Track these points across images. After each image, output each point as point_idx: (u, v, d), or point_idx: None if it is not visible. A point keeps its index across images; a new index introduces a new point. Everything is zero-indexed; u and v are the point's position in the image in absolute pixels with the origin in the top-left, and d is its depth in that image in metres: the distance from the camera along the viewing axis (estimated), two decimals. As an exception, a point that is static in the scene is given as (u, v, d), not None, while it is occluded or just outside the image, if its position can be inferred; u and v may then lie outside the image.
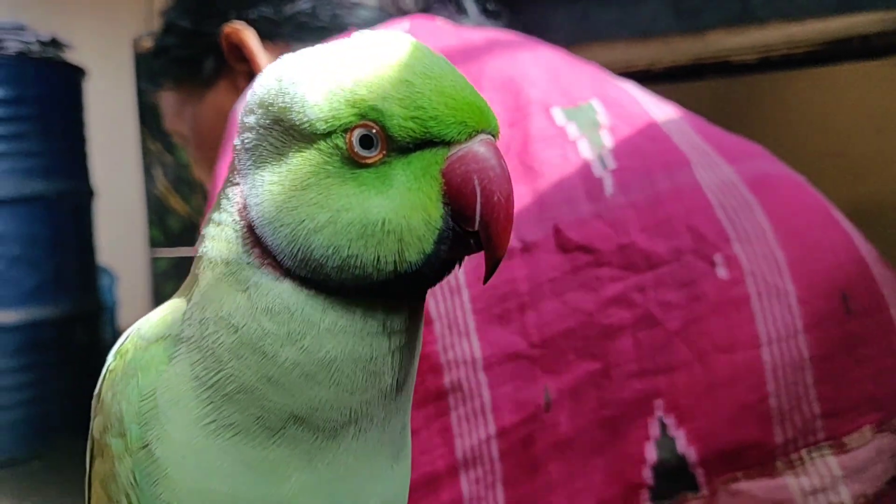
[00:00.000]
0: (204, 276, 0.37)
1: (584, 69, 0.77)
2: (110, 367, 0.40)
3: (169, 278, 2.22)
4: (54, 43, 1.81)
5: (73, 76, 1.84)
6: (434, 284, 0.37)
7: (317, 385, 0.35)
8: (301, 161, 0.35)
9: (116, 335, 2.08)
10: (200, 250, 0.38)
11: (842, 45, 0.98)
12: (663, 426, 0.63)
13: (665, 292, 0.64)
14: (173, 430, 0.36)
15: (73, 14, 2.26)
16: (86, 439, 0.41)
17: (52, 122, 1.77)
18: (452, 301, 0.65)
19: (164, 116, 1.00)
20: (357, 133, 0.34)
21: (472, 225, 0.35)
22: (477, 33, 0.79)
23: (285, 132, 0.36)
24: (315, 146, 0.35)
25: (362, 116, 0.34)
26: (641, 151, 0.69)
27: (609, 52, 1.00)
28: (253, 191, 0.36)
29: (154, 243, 2.21)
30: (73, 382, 1.73)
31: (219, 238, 0.37)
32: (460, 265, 0.38)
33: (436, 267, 0.36)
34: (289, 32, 0.84)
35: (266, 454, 0.36)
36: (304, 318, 0.35)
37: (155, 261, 2.24)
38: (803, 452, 0.62)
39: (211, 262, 0.37)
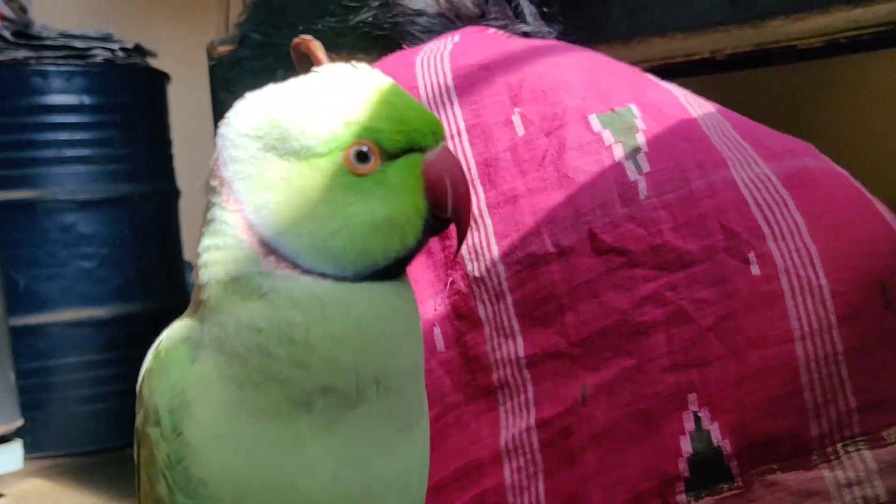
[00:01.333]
0: (214, 295, 0.42)
1: (624, 72, 0.78)
2: (148, 368, 0.45)
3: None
4: (138, 50, 1.89)
5: (156, 81, 1.92)
6: (410, 261, 0.44)
7: (343, 351, 0.40)
8: (303, 181, 0.41)
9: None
10: (203, 278, 0.42)
11: (914, 25, 0.95)
12: (698, 419, 0.63)
13: (698, 290, 0.65)
14: (202, 417, 0.41)
15: (155, 22, 2.35)
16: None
17: (137, 126, 1.86)
18: (498, 306, 0.68)
19: None
20: (353, 150, 0.41)
21: (445, 213, 0.43)
22: (520, 43, 0.81)
23: (282, 158, 0.41)
24: (314, 167, 0.41)
25: (358, 136, 0.41)
26: (677, 152, 0.69)
27: (668, 43, 0.99)
28: (258, 213, 0.41)
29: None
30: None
31: (223, 260, 0.42)
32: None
33: (420, 247, 0.44)
34: (352, 42, 0.87)
35: (289, 428, 0.40)
36: (330, 300, 0.40)
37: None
38: (839, 446, 0.62)
39: (220, 283, 0.42)
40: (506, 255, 0.68)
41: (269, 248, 0.41)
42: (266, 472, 0.41)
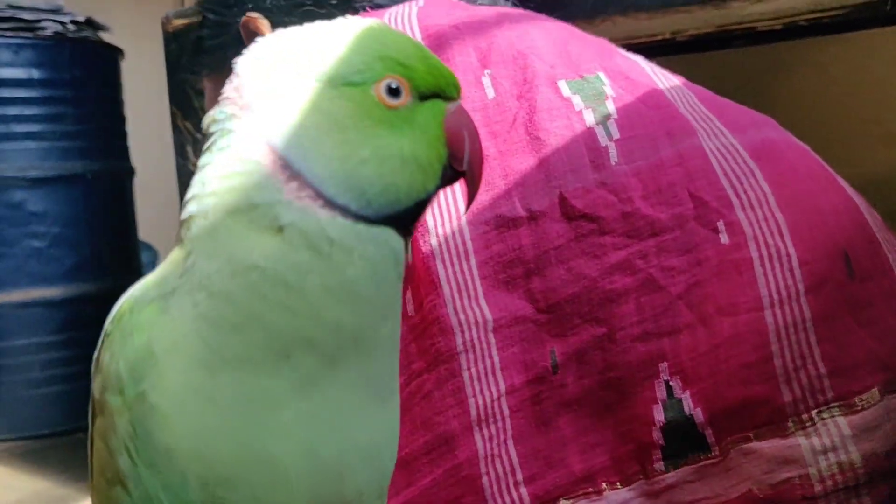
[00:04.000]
0: (221, 225, 0.40)
1: (592, 42, 0.78)
2: (107, 332, 0.43)
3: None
4: (90, 23, 1.84)
5: (109, 57, 1.87)
6: (417, 220, 0.45)
7: (335, 304, 0.39)
8: (335, 108, 0.41)
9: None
10: (196, 209, 0.41)
11: (872, 8, 0.96)
12: (669, 388, 0.64)
13: (667, 258, 0.65)
14: (171, 374, 0.39)
15: (108, -6, 2.29)
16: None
17: (89, 102, 1.81)
18: (461, 266, 0.67)
19: (206, 104, 1.05)
20: (385, 84, 0.42)
21: (461, 165, 0.45)
22: (488, 9, 0.81)
23: (315, 85, 0.41)
24: (346, 95, 0.41)
25: (391, 70, 0.42)
26: (646, 120, 0.70)
27: (631, 23, 0.99)
28: (284, 136, 0.41)
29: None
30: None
31: (238, 187, 0.40)
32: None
33: (431, 198, 0.44)
34: (298, 21, 0.88)
35: (267, 384, 0.39)
36: (341, 244, 0.39)
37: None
38: (813, 413, 0.63)
39: (231, 212, 0.40)
40: (472, 213, 0.68)
41: (291, 173, 0.40)
42: (236, 435, 0.38)
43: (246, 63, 0.44)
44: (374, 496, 0.44)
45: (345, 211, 0.40)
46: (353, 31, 0.43)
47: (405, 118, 0.42)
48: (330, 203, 0.40)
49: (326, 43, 0.42)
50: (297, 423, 0.39)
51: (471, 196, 0.46)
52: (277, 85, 0.42)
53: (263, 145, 0.40)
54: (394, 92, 0.42)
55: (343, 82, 0.41)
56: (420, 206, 0.43)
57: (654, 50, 1.04)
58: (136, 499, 0.40)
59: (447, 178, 0.45)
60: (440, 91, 0.44)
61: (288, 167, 0.40)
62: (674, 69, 0.78)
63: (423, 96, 0.43)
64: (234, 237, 0.39)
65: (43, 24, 1.74)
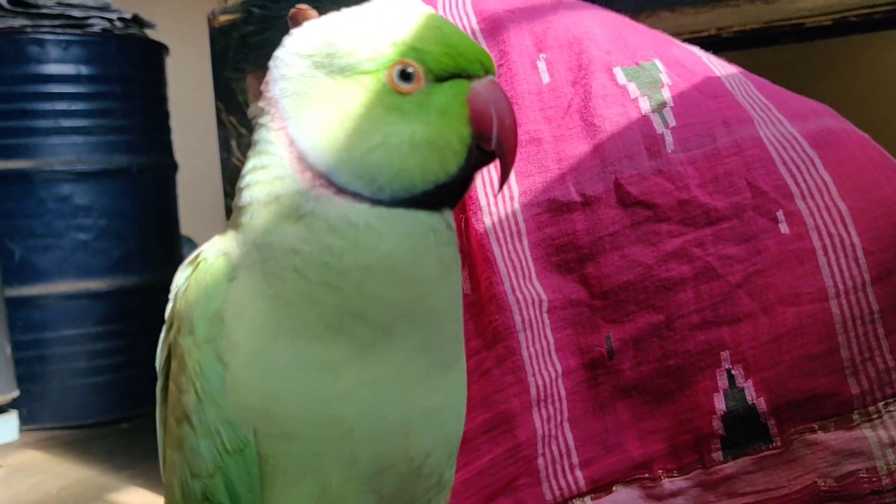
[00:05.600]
0: (256, 216, 0.42)
1: (647, 32, 0.78)
2: (185, 284, 0.46)
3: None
4: (137, 20, 1.86)
5: (155, 53, 1.90)
6: (459, 198, 0.45)
7: (375, 279, 0.41)
8: (348, 97, 0.42)
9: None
10: (245, 199, 0.43)
11: (925, 4, 0.93)
12: (731, 377, 0.64)
13: (725, 247, 0.65)
14: (238, 338, 0.42)
15: (155, -8, 2.32)
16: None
17: (135, 98, 1.84)
18: (514, 245, 0.68)
19: (250, 100, 1.05)
20: (397, 69, 0.41)
21: (489, 144, 0.43)
22: None
23: (329, 75, 0.42)
24: (359, 84, 0.42)
25: (403, 55, 0.42)
26: (703, 109, 0.69)
27: (677, 18, 0.98)
28: (300, 128, 0.42)
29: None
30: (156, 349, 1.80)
31: (265, 180, 0.43)
32: (472, 182, 0.46)
33: (464, 177, 0.43)
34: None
35: (323, 352, 0.41)
36: (365, 225, 0.41)
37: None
38: (880, 405, 0.62)
39: (263, 203, 0.42)
40: (526, 195, 0.68)
41: (306, 164, 0.42)
42: (299, 396, 0.41)
43: (276, 56, 0.45)
44: (443, 458, 0.45)
45: (359, 196, 0.41)
46: (369, 17, 0.43)
47: (419, 103, 0.42)
48: (343, 190, 0.41)
49: (342, 32, 0.43)
50: (358, 387, 0.41)
51: (504, 174, 0.45)
52: (296, 78, 0.43)
53: (284, 139, 0.43)
54: (407, 77, 0.42)
55: (355, 71, 0.42)
56: (458, 185, 0.43)
57: (698, 47, 1.03)
58: (200, 432, 0.43)
59: (479, 159, 0.44)
60: (460, 70, 0.43)
61: (303, 160, 0.42)
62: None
63: (441, 78, 0.42)
64: (270, 225, 0.42)
65: (91, 21, 1.77)
